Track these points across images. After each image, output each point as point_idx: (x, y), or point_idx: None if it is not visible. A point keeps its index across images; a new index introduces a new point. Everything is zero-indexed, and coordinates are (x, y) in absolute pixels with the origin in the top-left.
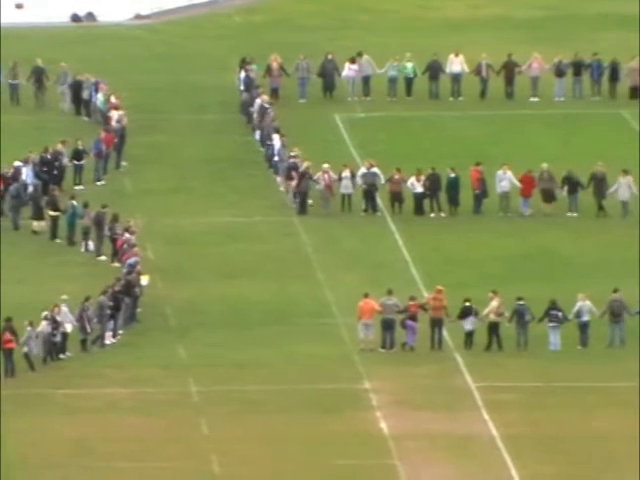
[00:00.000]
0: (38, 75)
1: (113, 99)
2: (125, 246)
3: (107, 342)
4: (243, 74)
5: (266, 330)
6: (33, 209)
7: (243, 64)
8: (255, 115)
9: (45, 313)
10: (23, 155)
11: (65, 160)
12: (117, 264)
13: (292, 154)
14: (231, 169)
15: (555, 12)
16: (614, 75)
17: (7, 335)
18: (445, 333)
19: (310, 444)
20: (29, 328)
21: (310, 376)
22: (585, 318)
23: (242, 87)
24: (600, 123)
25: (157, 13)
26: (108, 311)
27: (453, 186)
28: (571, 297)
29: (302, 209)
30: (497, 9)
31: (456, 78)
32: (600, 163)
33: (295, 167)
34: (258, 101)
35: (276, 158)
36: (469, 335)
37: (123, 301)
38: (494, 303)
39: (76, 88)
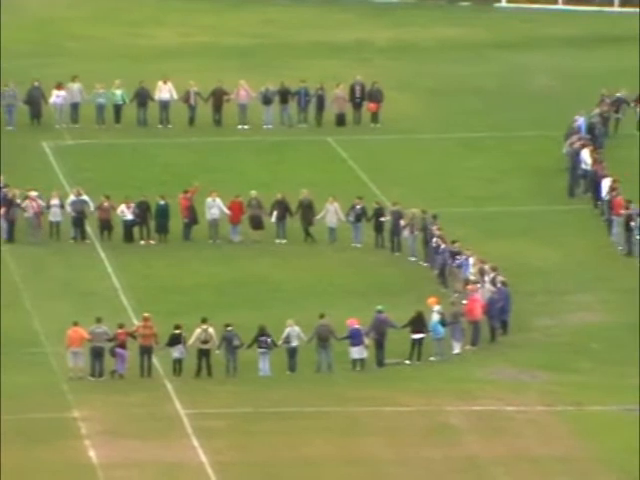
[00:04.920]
0: None
1: None
2: None
3: None
4: None
5: None
6: None
7: None
8: None
9: None
10: None
11: None
12: None
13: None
14: None
15: (263, 40)
16: (320, 103)
17: None
18: (155, 360)
19: (20, 474)
20: None
21: (19, 406)
22: (294, 344)
23: None
24: (307, 150)
25: None
26: None
27: (163, 213)
28: (280, 323)
29: (10, 237)
30: (206, 37)
31: (164, 105)
32: (306, 190)
33: (4, 195)
34: None
35: None
36: (178, 362)
37: None
38: (198, 330)
39: None
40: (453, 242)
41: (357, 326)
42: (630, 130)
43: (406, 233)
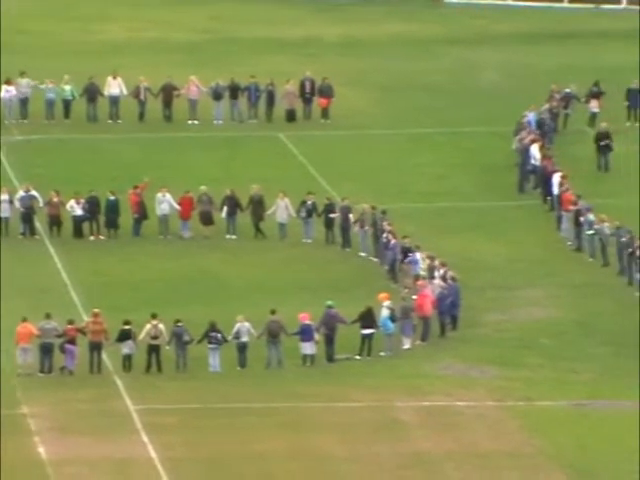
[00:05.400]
0: None
1: None
2: None
3: None
4: None
5: None
6: None
7: None
8: None
9: None
10: None
11: None
12: None
13: None
14: None
15: (213, 35)
16: (271, 98)
17: None
18: (104, 356)
19: None
20: None
21: None
22: (244, 339)
23: None
24: (258, 145)
25: None
26: None
27: (112, 209)
28: (230, 319)
29: None
30: (155, 32)
31: (114, 101)
32: (256, 185)
33: None
34: None
35: None
36: (128, 358)
37: None
38: (148, 326)
39: None
40: (404, 238)
41: (308, 322)
42: (579, 126)
43: (356, 229)
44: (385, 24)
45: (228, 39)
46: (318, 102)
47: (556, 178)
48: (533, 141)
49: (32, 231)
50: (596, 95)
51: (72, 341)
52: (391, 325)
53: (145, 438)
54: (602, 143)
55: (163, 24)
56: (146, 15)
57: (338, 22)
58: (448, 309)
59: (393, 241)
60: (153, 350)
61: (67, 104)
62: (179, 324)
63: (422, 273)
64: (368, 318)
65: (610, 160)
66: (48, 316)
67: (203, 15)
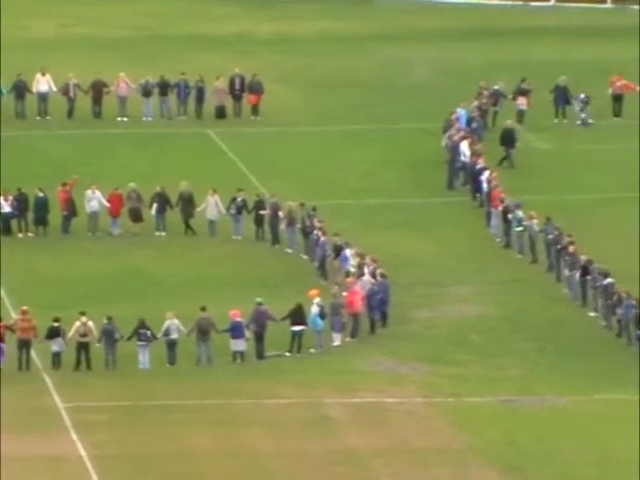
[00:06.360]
0: None
1: None
2: None
3: None
4: None
5: None
6: None
7: None
8: None
9: None
10: None
11: None
12: None
13: None
14: None
15: (143, 32)
16: (200, 95)
17: None
18: (33, 354)
19: None
20: None
21: None
22: (173, 336)
23: None
24: (187, 142)
25: None
26: None
27: (41, 206)
28: (160, 316)
29: None
30: (85, 29)
31: (43, 97)
32: (185, 182)
33: None
34: None
35: None
36: (57, 355)
37: None
38: (78, 323)
39: None
40: (334, 235)
41: (238, 319)
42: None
43: (282, 226)
44: (316, 21)
45: (159, 36)
46: (248, 99)
47: (485, 175)
48: (463, 138)
49: None
50: (524, 92)
51: (0, 338)
52: (321, 322)
53: (74, 436)
54: (507, 140)
55: (93, 20)
56: (76, 11)
57: (270, 19)
58: (378, 306)
59: (323, 238)
60: (82, 347)
61: None
62: (109, 321)
63: (352, 270)
64: (298, 315)
65: (514, 156)
66: None
67: (134, 12)
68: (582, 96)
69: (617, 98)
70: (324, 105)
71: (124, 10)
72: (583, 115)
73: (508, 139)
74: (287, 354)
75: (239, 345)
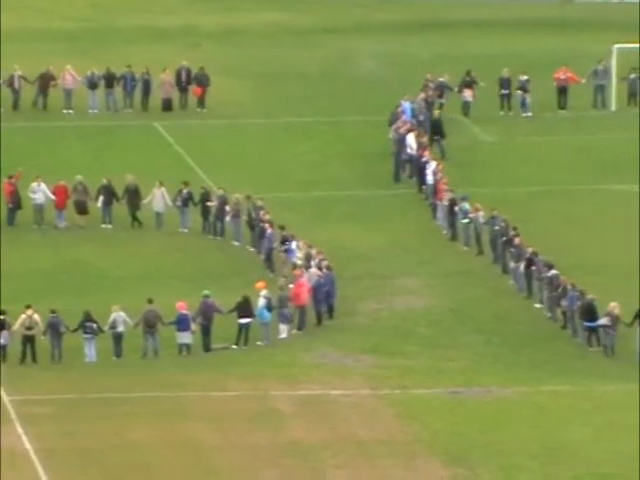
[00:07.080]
0: None
1: None
2: None
3: None
4: None
5: None
6: None
7: None
8: None
9: None
10: None
11: None
12: None
13: None
14: None
15: (89, 24)
16: (146, 87)
17: None
18: None
19: None
20: None
21: None
22: (120, 329)
23: None
24: (133, 135)
25: None
26: None
27: None
28: (106, 308)
29: None
30: (32, 20)
31: None
32: (131, 175)
33: None
34: None
35: None
36: (2, 348)
37: None
38: (23, 316)
39: None
40: (281, 227)
41: (185, 311)
42: (453, 115)
43: (227, 218)
44: (263, 13)
45: (104, 28)
46: (193, 91)
47: (431, 167)
48: (409, 130)
49: None
50: (469, 84)
51: None
52: (268, 314)
53: (20, 429)
54: (436, 130)
55: (40, 12)
56: (22, 2)
57: (216, 11)
58: (324, 298)
59: (269, 230)
60: (28, 340)
61: None
62: (54, 314)
63: (299, 262)
64: (245, 307)
65: (445, 147)
66: None
67: (80, 3)
68: (524, 78)
69: (562, 90)
70: (270, 97)
71: (72, 2)
72: (527, 100)
73: (436, 129)
74: (234, 347)
75: (185, 338)
